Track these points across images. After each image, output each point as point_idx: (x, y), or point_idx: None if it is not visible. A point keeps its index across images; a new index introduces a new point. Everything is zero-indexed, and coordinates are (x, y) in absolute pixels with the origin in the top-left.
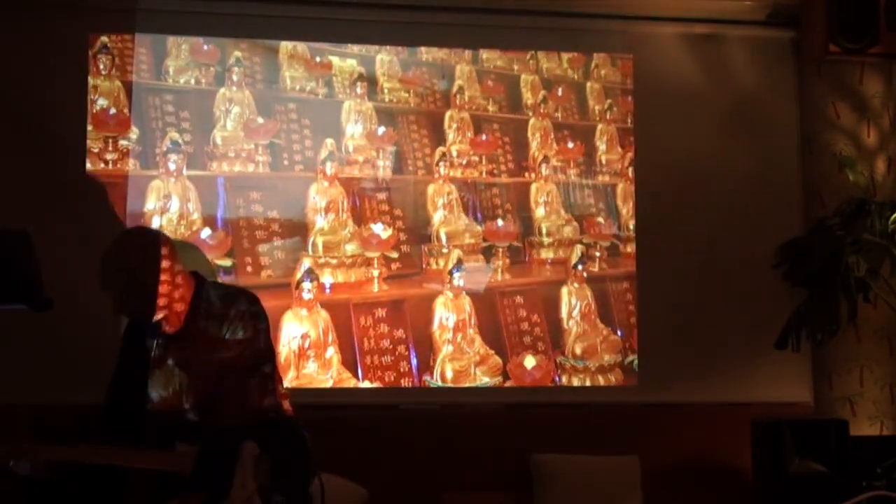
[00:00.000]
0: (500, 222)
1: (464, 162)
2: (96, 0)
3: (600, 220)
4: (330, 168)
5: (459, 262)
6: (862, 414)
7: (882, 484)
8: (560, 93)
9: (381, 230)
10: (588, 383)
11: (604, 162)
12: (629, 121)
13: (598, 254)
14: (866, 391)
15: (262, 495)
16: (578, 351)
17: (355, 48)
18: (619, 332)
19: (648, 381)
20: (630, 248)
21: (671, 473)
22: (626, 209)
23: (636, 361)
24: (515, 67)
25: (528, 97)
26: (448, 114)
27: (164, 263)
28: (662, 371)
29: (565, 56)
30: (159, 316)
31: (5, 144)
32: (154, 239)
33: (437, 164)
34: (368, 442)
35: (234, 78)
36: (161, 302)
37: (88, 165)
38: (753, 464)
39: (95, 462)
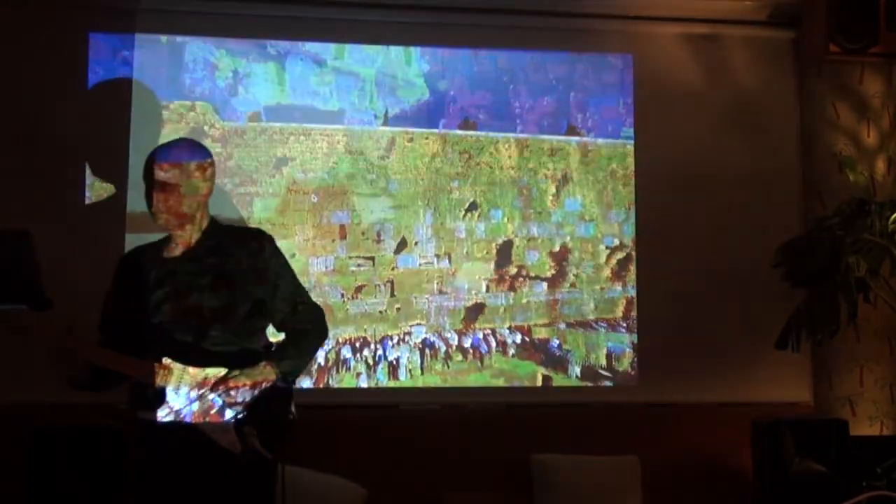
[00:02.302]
0: (494, 222)
1: (457, 168)
2: None
3: (599, 220)
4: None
5: (453, 259)
6: (862, 414)
7: (882, 484)
8: (557, 93)
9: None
10: (587, 383)
11: (603, 162)
12: (629, 121)
13: (595, 253)
14: (866, 391)
15: (235, 425)
16: (576, 350)
17: (355, 58)
18: (617, 332)
19: (648, 381)
20: (629, 249)
21: (671, 473)
22: (626, 209)
23: (636, 361)
24: (513, 68)
25: (524, 99)
26: (442, 120)
27: (199, 181)
28: (662, 371)
29: (563, 56)
30: (171, 230)
31: (5, 144)
32: (202, 154)
33: (432, 168)
34: (368, 442)
35: (242, 85)
36: (178, 212)
37: (89, 166)
38: (753, 464)
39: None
